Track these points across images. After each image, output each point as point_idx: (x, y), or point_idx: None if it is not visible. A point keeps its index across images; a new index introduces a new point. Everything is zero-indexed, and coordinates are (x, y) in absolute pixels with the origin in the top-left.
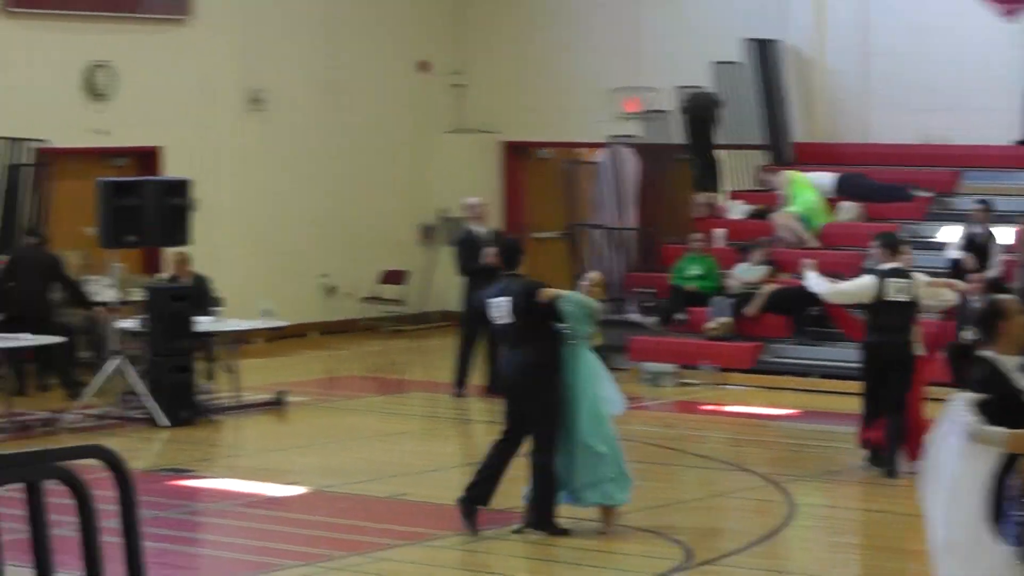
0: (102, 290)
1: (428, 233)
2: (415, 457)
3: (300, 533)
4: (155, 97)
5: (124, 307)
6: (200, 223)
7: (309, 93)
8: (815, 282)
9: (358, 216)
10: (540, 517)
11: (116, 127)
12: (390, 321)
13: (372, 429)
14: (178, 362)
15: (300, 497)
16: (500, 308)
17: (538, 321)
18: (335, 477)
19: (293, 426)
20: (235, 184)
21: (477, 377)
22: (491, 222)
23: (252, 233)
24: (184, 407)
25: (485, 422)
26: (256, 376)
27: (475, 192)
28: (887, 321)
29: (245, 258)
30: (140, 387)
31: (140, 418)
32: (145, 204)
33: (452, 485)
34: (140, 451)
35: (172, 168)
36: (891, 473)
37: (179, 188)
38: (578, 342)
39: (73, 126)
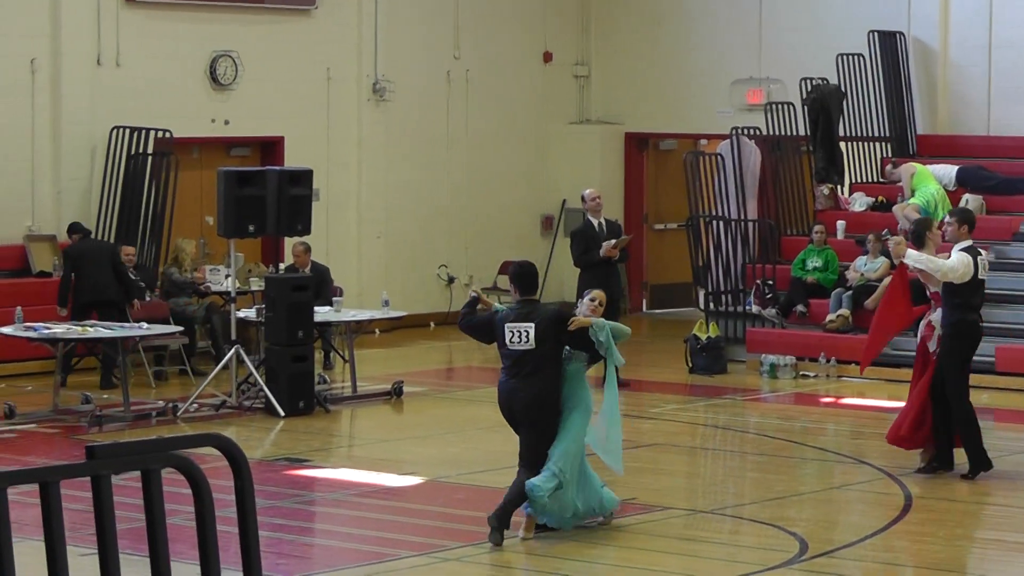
0: (221, 279)
1: (549, 224)
2: None
3: (415, 523)
4: (278, 87)
5: (243, 296)
6: (321, 213)
7: (432, 83)
8: (915, 256)
9: (479, 207)
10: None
11: (238, 117)
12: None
13: (489, 419)
14: (296, 352)
15: (416, 487)
16: (520, 334)
17: (558, 349)
18: (451, 467)
19: (410, 416)
20: (356, 174)
21: (592, 369)
22: (610, 213)
23: (372, 223)
24: (302, 397)
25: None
26: (374, 366)
27: (597, 183)
28: (979, 300)
29: (365, 248)
30: (258, 377)
31: (258, 408)
32: (266, 194)
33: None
34: (257, 440)
35: (294, 158)
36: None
37: (300, 178)
38: (582, 367)
39: (196, 116)
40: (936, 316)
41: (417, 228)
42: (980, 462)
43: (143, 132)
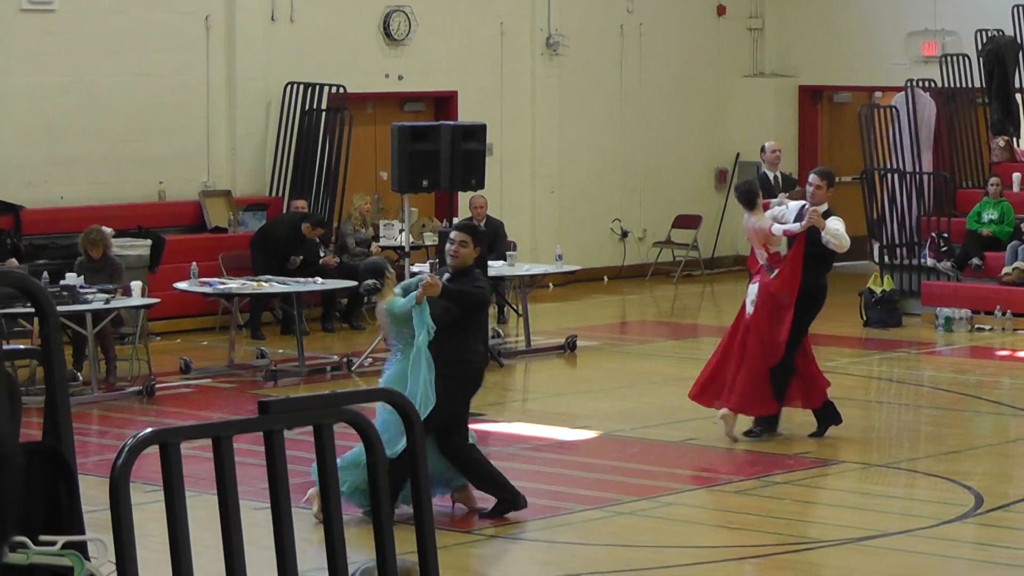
0: (395, 234)
1: (723, 177)
2: None
3: (589, 477)
4: (451, 41)
5: (417, 251)
6: (494, 168)
7: (605, 37)
8: (833, 229)
9: (653, 161)
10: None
11: (412, 72)
12: (683, 266)
13: (662, 374)
14: None
15: (590, 441)
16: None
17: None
18: (625, 421)
19: (584, 371)
20: (530, 129)
21: None
22: (785, 166)
23: (546, 178)
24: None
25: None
26: (548, 320)
27: (771, 136)
28: None
29: (539, 203)
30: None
31: None
32: (440, 148)
33: (741, 429)
34: None
35: (467, 113)
36: None
37: (474, 133)
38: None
39: (369, 71)
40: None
41: (591, 182)
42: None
43: (317, 88)
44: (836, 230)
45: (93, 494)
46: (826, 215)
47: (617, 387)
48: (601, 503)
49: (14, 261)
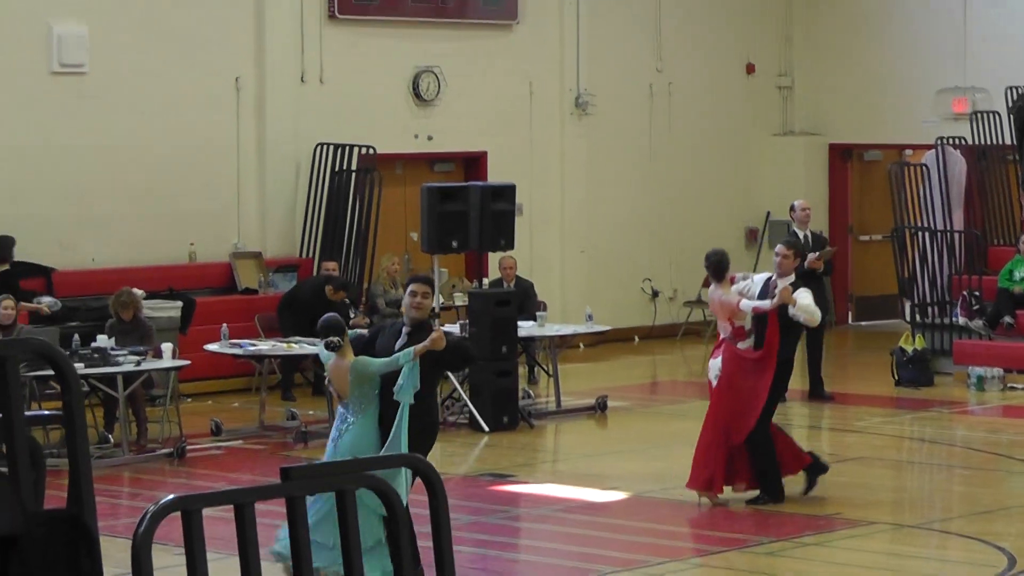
0: None
1: (754, 236)
2: None
3: (619, 539)
4: (481, 102)
5: (447, 312)
6: (524, 228)
7: (634, 96)
8: (804, 304)
9: (683, 220)
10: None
11: (442, 132)
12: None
13: (693, 434)
14: (501, 367)
15: (620, 502)
16: None
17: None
18: (656, 483)
19: (614, 431)
20: (560, 188)
21: (797, 381)
22: (815, 224)
23: (576, 237)
24: (506, 412)
25: (806, 427)
26: (578, 381)
27: (802, 195)
28: None
29: (569, 263)
30: (462, 392)
31: (462, 423)
32: (469, 209)
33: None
34: (462, 456)
35: (497, 173)
36: None
37: (504, 193)
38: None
39: (399, 132)
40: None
41: (620, 242)
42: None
43: (347, 148)
44: (807, 305)
45: (122, 556)
46: (794, 287)
47: (648, 448)
48: (632, 565)
49: (45, 302)
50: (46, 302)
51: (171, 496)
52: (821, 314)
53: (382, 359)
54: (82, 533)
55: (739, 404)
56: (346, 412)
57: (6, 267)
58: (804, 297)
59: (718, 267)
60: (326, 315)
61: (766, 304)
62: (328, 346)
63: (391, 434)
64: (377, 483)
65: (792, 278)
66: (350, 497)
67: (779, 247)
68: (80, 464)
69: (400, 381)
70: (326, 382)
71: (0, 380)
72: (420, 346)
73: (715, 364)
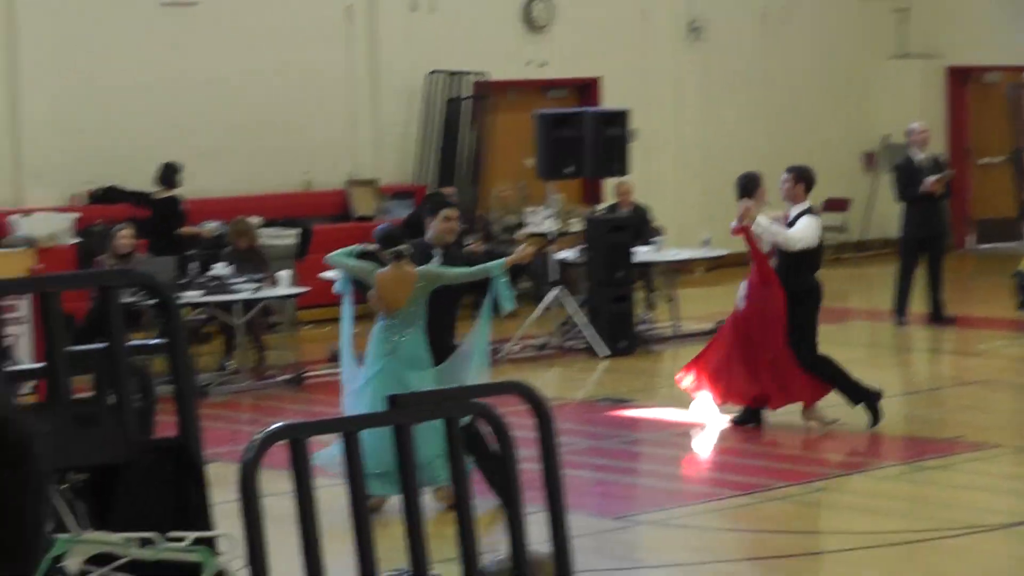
0: (541, 221)
1: (871, 160)
2: None
3: (739, 463)
4: (593, 27)
5: (563, 238)
6: (638, 153)
7: (748, 21)
8: (764, 225)
9: (799, 144)
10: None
11: (555, 58)
12: (832, 249)
13: None
14: (617, 292)
15: (740, 427)
16: None
17: None
18: None
19: None
20: (674, 113)
21: (918, 304)
22: (933, 148)
23: (691, 162)
24: (623, 337)
25: (926, 351)
26: (696, 305)
27: (918, 118)
28: (820, 262)
29: (684, 187)
30: (580, 317)
31: (580, 348)
32: (583, 135)
33: (894, 415)
34: (579, 381)
35: (611, 98)
36: None
37: (617, 118)
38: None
39: (512, 58)
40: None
41: (735, 166)
42: (863, 395)
43: (460, 76)
44: (765, 227)
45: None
46: (803, 215)
47: None
48: (749, 489)
49: (208, 228)
50: (208, 228)
51: (278, 424)
52: (804, 242)
53: (459, 269)
54: (187, 461)
55: (757, 321)
56: (394, 325)
57: (172, 193)
58: (798, 225)
59: (744, 186)
60: (382, 226)
61: (733, 224)
62: (398, 255)
63: (475, 353)
64: (485, 410)
65: (805, 206)
66: (456, 425)
67: (782, 174)
68: (184, 394)
69: (503, 292)
70: (369, 295)
71: (103, 310)
72: (510, 258)
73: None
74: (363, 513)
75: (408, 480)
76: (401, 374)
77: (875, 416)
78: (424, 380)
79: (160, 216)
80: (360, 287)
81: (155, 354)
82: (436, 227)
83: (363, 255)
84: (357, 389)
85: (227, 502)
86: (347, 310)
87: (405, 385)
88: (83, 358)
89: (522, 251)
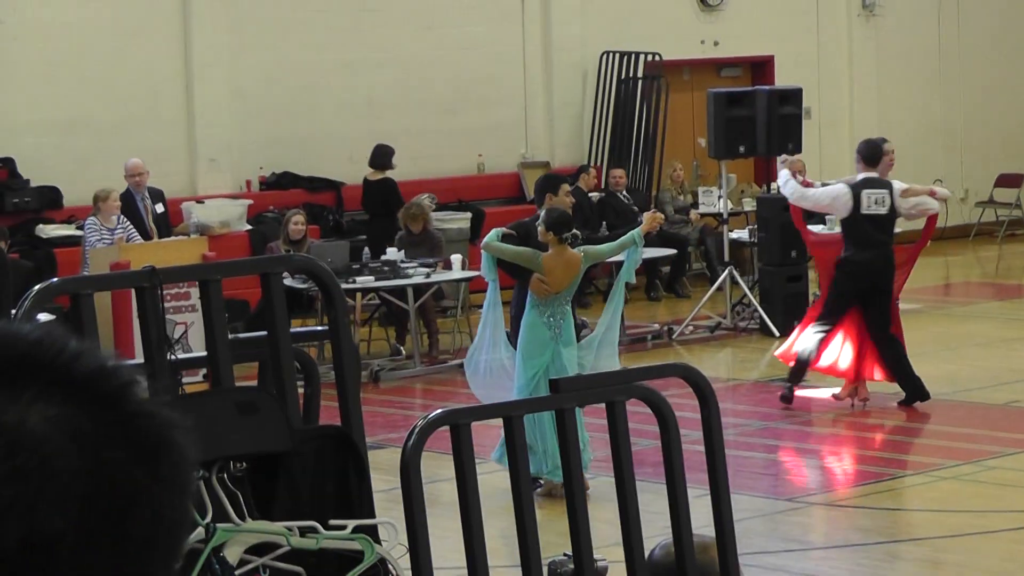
0: (714, 201)
1: None
2: None
3: (912, 442)
4: (767, 6)
5: (736, 217)
6: (812, 131)
7: None
8: (791, 185)
9: (973, 119)
10: None
11: (728, 37)
12: (1006, 225)
13: (987, 336)
14: (790, 271)
15: (914, 406)
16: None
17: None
18: (949, 385)
19: (907, 334)
20: (848, 91)
21: None
22: None
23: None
24: (796, 317)
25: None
26: None
27: None
28: (860, 236)
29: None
30: (752, 297)
31: (752, 328)
32: (756, 114)
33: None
34: (752, 361)
35: (784, 77)
36: None
37: (791, 97)
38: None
39: (685, 38)
40: None
41: (911, 143)
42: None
43: (633, 56)
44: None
45: None
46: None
47: (940, 350)
48: (924, 468)
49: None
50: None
51: (439, 410)
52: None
53: (607, 245)
54: (350, 450)
55: None
56: (551, 309)
57: (383, 175)
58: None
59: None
60: (557, 210)
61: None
62: (571, 240)
63: (608, 328)
64: (648, 394)
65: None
66: (620, 408)
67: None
68: (348, 381)
69: (636, 260)
70: (534, 279)
71: (265, 296)
72: (643, 227)
73: None
74: (526, 499)
75: (571, 464)
76: (564, 357)
77: (789, 398)
78: (573, 360)
79: (374, 197)
80: (513, 272)
81: (319, 341)
82: (559, 203)
83: (506, 239)
84: (532, 379)
85: (395, 488)
86: (495, 295)
87: (569, 369)
88: (248, 345)
89: (652, 218)
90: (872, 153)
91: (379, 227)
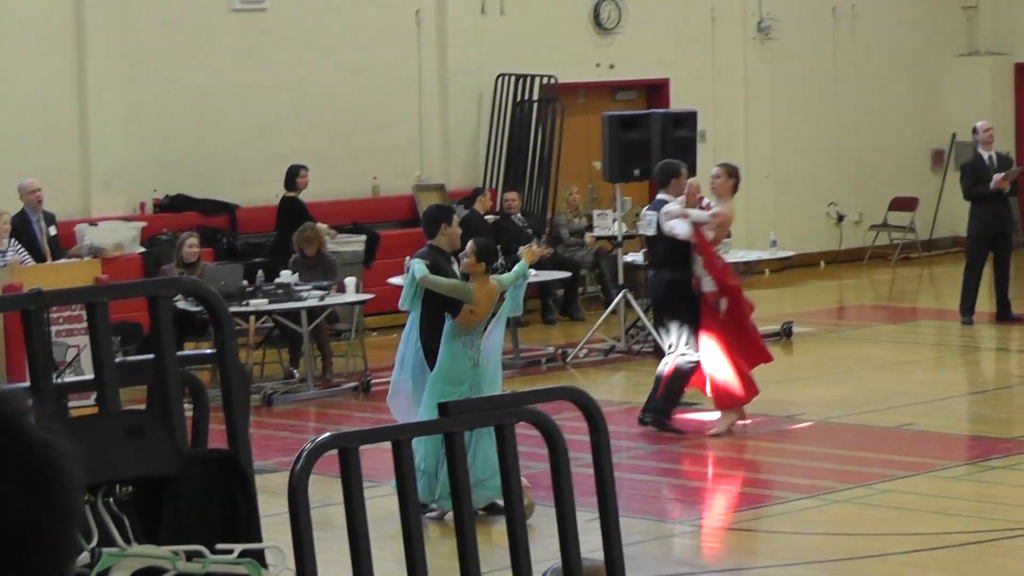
0: (609, 224)
1: (939, 158)
2: (923, 386)
3: (805, 465)
4: (662, 29)
5: (630, 240)
6: (708, 154)
7: (817, 19)
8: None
9: (867, 142)
10: None
11: (624, 61)
12: (900, 249)
13: (880, 359)
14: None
15: (806, 429)
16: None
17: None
18: (841, 408)
19: (800, 357)
20: (743, 114)
21: (986, 304)
22: (1002, 145)
23: (759, 163)
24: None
25: (994, 349)
26: (764, 307)
27: (988, 115)
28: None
29: (752, 188)
30: (646, 320)
31: (647, 352)
32: (651, 137)
33: (960, 415)
34: (646, 385)
35: (679, 100)
36: None
37: (686, 120)
38: (449, 324)
39: (580, 61)
40: None
41: (805, 166)
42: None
43: (528, 79)
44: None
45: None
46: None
47: (834, 373)
48: (817, 491)
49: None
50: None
51: (327, 434)
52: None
53: (508, 275)
54: (237, 474)
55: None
56: (475, 335)
57: (292, 194)
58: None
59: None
60: (484, 240)
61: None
62: (496, 270)
63: (494, 360)
64: (537, 417)
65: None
66: (509, 431)
67: (714, 168)
68: (235, 405)
69: (521, 295)
70: (465, 310)
71: (152, 320)
72: (528, 261)
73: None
74: (414, 523)
75: (460, 488)
76: (483, 386)
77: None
78: (497, 387)
79: (283, 216)
80: (441, 304)
81: (207, 364)
82: (452, 233)
83: (434, 270)
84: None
85: (287, 512)
86: (415, 321)
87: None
88: (136, 369)
89: (530, 253)
90: (659, 174)
91: (282, 245)
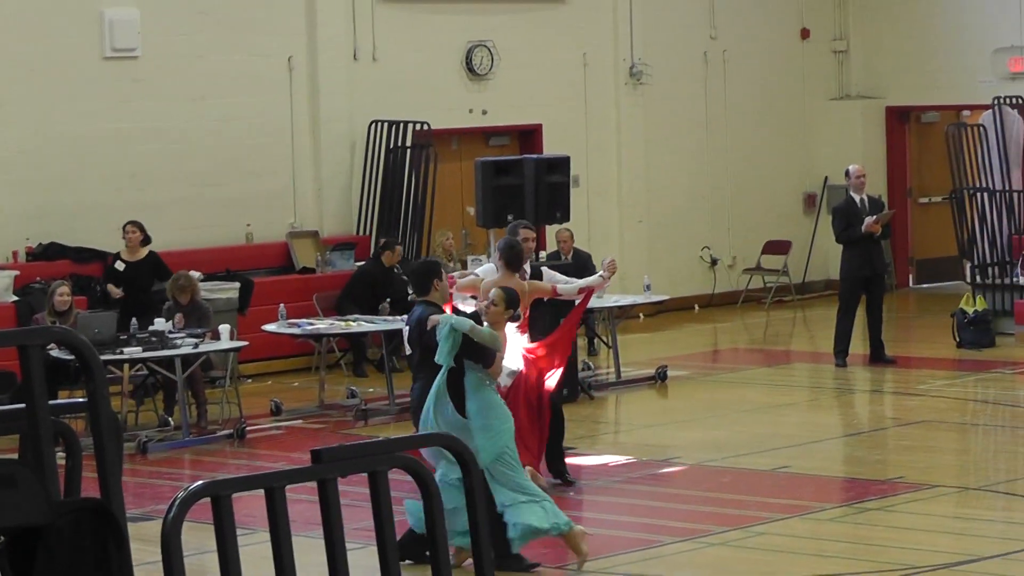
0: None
1: (811, 202)
2: (798, 429)
3: (681, 508)
4: (534, 75)
5: None
6: (581, 199)
7: (689, 64)
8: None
9: (740, 186)
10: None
11: (497, 106)
12: (773, 292)
13: (755, 402)
14: None
15: (681, 472)
16: (406, 337)
17: (428, 355)
18: (717, 451)
19: (675, 401)
20: (616, 159)
21: (859, 346)
22: (874, 188)
23: (633, 207)
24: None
25: (868, 391)
26: (638, 351)
27: (859, 158)
28: None
29: (626, 233)
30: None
31: None
32: (524, 182)
33: (835, 457)
34: None
35: (552, 145)
36: None
37: (559, 165)
38: (475, 375)
39: (453, 107)
40: None
41: (678, 211)
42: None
43: (401, 125)
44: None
45: (184, 539)
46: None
47: (709, 417)
48: (694, 534)
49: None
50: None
51: (200, 482)
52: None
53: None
54: (109, 523)
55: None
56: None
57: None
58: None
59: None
60: (510, 289)
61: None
62: (515, 318)
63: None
64: (411, 464)
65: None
66: (382, 478)
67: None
68: (106, 453)
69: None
70: (498, 358)
71: (23, 369)
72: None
73: None
74: (287, 571)
75: (333, 535)
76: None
77: None
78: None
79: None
80: (473, 354)
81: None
82: (444, 288)
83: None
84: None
85: (159, 561)
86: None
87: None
88: (8, 418)
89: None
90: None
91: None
